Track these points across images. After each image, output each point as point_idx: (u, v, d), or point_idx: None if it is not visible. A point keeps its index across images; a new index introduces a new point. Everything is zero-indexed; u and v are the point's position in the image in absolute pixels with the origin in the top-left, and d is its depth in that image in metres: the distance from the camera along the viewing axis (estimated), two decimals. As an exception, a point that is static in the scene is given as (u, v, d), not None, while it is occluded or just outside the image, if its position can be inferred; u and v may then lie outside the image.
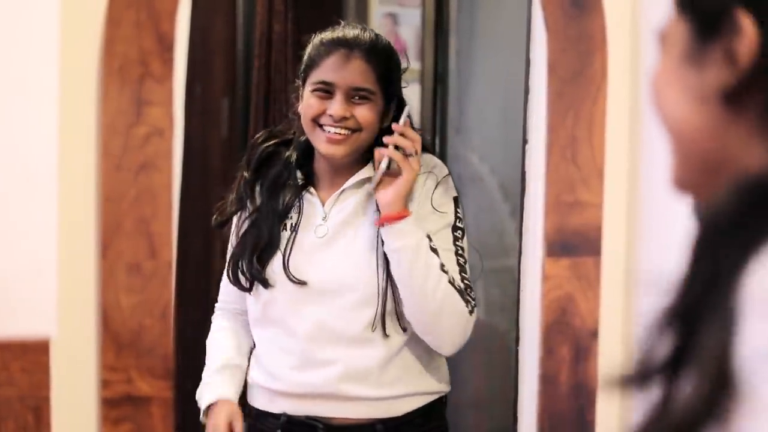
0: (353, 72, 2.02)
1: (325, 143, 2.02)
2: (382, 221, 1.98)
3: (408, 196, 2.00)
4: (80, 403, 1.63)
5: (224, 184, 3.55)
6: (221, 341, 2.23)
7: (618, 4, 1.79)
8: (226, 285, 2.21)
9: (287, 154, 2.13)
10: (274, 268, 2.04)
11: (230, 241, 2.18)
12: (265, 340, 2.11)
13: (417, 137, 2.01)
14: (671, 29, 0.84)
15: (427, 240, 1.98)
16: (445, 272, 1.98)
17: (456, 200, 2.10)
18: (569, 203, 1.79)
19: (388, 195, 1.98)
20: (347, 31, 2.08)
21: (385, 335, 2.03)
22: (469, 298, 2.01)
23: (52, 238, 1.60)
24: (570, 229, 1.79)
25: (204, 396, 2.16)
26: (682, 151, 0.84)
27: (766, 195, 0.73)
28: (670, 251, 1.83)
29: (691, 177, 0.84)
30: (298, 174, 2.11)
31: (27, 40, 1.59)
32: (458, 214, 2.09)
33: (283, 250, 2.05)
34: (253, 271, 2.06)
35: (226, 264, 2.16)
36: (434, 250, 1.98)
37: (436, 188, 2.07)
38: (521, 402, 2.09)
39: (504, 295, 2.67)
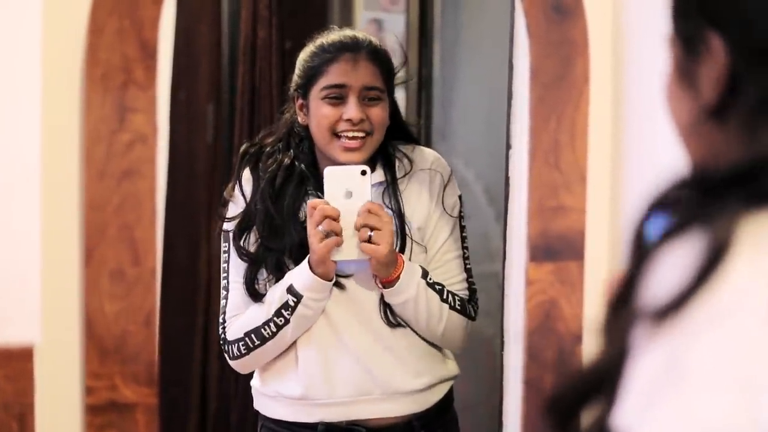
0: (364, 72, 2.04)
1: (343, 152, 2.02)
2: (382, 284, 2.02)
3: (390, 257, 1.98)
4: (64, 410, 1.63)
5: (209, 190, 3.56)
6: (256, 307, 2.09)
7: (600, 9, 1.79)
8: (236, 297, 2.10)
9: (294, 163, 2.10)
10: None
11: (228, 258, 2.11)
12: (298, 347, 2.08)
13: (387, 217, 1.98)
14: (670, 45, 0.88)
15: (424, 280, 2.03)
16: (446, 301, 2.06)
17: (460, 198, 2.16)
18: (552, 208, 1.80)
19: (374, 264, 1.99)
20: (344, 34, 2.08)
21: (402, 325, 2.08)
22: (472, 307, 2.12)
23: (36, 245, 1.60)
24: (553, 233, 1.80)
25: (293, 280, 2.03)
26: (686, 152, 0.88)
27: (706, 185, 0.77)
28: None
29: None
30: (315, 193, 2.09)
31: (9, 47, 1.59)
32: (462, 213, 2.15)
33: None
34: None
35: (243, 278, 2.08)
36: (433, 285, 2.04)
37: (445, 189, 2.10)
38: (506, 407, 2.09)
39: (489, 300, 2.68)
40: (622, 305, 0.77)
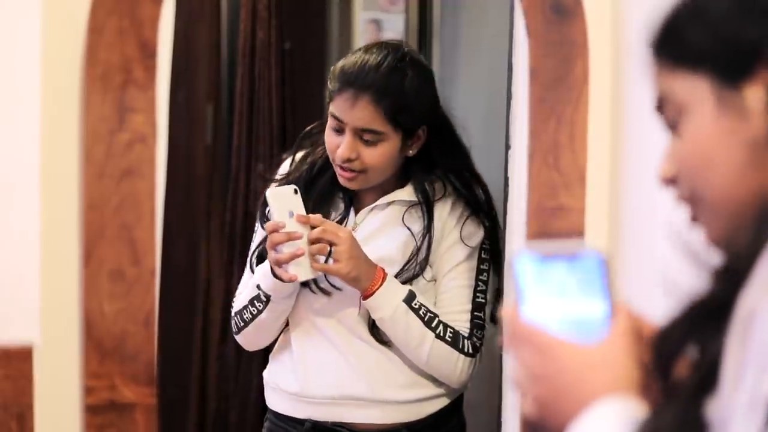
0: (361, 114, 2.00)
1: (341, 179, 2.06)
2: (362, 297, 2.02)
3: (356, 273, 1.98)
4: (63, 410, 1.63)
5: (208, 191, 3.55)
6: None
7: (599, 9, 1.79)
8: (246, 272, 2.17)
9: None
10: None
11: (257, 235, 2.16)
12: (292, 343, 2.11)
13: (344, 233, 1.98)
14: (686, 94, 0.84)
15: (405, 304, 2.00)
16: (432, 328, 2.02)
17: (492, 231, 2.10)
18: (551, 208, 1.79)
19: (343, 282, 2.01)
20: (360, 63, 2.02)
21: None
22: (470, 343, 2.05)
23: (35, 245, 1.60)
24: (552, 234, 1.79)
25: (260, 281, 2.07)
26: (728, 207, 0.83)
27: None
28: (651, 255, 1.84)
29: (730, 229, 0.84)
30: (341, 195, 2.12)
31: (9, 46, 1.59)
32: (485, 245, 2.09)
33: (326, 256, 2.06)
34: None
35: (252, 250, 2.15)
36: (417, 310, 2.01)
37: (467, 218, 2.08)
38: (506, 408, 2.09)
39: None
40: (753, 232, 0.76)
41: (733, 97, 0.81)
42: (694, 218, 0.87)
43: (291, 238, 1.95)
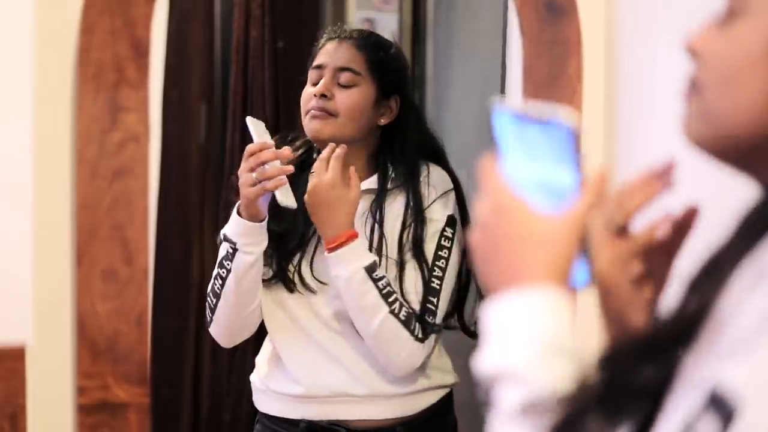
0: (342, 54, 2.07)
1: (308, 120, 2.04)
2: (326, 249, 1.98)
3: (325, 197, 1.96)
4: (56, 410, 1.63)
5: (202, 190, 3.55)
6: None
7: (593, 8, 1.79)
8: None
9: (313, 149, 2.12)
10: (302, 270, 2.05)
11: None
12: (281, 342, 2.10)
13: (274, 154, 1.92)
14: (759, 2, 0.79)
15: (365, 271, 1.96)
16: (389, 303, 1.97)
17: (450, 218, 2.08)
18: (545, 207, 1.79)
19: (310, 209, 1.98)
20: (344, 27, 2.16)
21: None
22: (421, 326, 2.00)
23: (28, 245, 1.59)
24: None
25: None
26: (737, 125, 0.80)
27: None
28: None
29: (732, 150, 0.82)
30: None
31: (1, 47, 1.58)
32: (445, 233, 2.06)
33: (312, 252, 2.05)
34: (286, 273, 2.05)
35: None
36: (376, 280, 1.97)
37: (433, 203, 2.07)
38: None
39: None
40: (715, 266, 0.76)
41: None
42: (688, 101, 0.84)
43: (279, 156, 1.92)
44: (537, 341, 0.82)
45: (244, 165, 1.93)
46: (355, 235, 1.97)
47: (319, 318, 2.06)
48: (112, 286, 1.61)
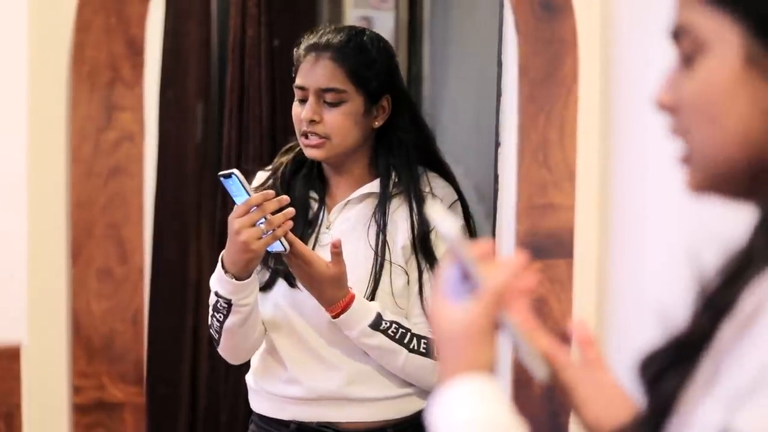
0: (322, 73, 2.03)
1: (306, 149, 2.05)
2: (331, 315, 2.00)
3: (329, 283, 1.96)
4: (52, 410, 1.62)
5: (198, 188, 3.55)
6: None
7: (588, 6, 1.79)
8: None
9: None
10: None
11: None
12: (274, 343, 2.10)
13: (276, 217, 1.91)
14: (711, 34, 0.80)
15: (372, 329, 1.98)
16: (405, 345, 2.00)
17: (462, 229, 2.08)
18: (541, 206, 1.79)
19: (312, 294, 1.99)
20: (322, 34, 2.08)
21: None
22: None
23: (23, 244, 1.59)
24: (542, 231, 1.79)
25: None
26: (719, 162, 0.81)
27: None
28: (642, 253, 1.84)
29: (732, 182, 0.82)
30: (312, 194, 2.10)
31: (-5, 45, 1.58)
32: None
33: (311, 246, 2.05)
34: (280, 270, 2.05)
35: None
36: (386, 330, 1.99)
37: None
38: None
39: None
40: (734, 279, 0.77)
41: (765, 58, 0.77)
42: (683, 159, 0.84)
43: (281, 204, 1.91)
44: (473, 425, 0.91)
45: (246, 219, 1.89)
46: (352, 298, 1.98)
47: (311, 322, 2.06)
48: (108, 286, 1.61)
